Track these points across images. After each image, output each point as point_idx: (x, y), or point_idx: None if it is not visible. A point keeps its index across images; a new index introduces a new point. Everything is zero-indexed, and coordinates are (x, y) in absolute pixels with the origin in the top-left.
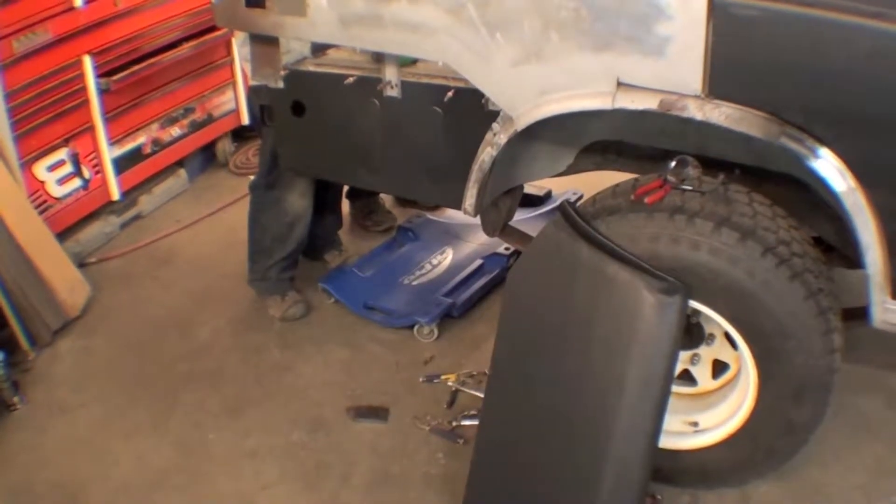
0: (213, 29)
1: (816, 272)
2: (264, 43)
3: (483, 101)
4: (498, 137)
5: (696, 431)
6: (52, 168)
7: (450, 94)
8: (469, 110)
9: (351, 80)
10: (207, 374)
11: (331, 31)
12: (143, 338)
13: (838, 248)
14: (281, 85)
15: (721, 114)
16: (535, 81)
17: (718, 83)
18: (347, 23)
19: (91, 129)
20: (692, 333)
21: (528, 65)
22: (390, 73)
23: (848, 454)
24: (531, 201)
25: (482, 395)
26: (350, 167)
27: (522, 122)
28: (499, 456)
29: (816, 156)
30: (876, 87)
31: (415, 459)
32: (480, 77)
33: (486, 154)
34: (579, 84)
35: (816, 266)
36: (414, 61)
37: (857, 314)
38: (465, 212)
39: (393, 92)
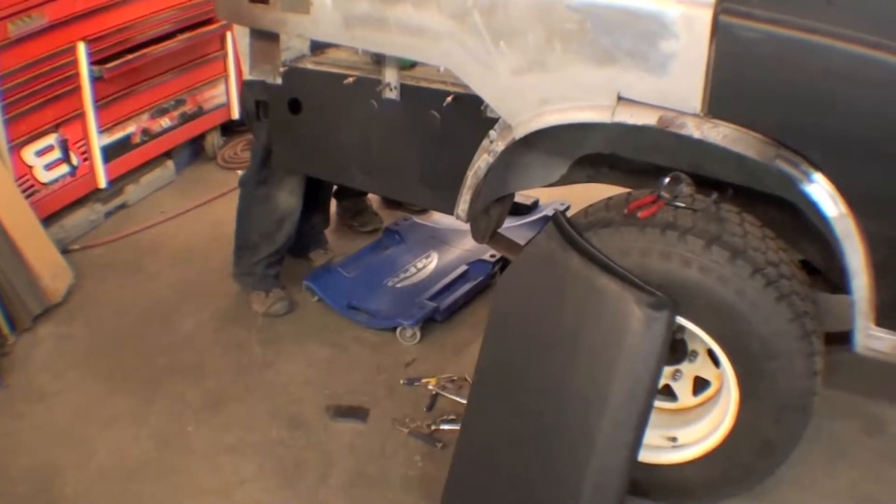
0: (207, 22)
1: (802, 295)
2: (264, 38)
3: (482, 107)
4: (495, 145)
5: (675, 447)
6: (40, 153)
7: (449, 99)
8: (467, 116)
9: (350, 80)
10: (188, 366)
11: (333, 30)
12: (125, 327)
13: (823, 272)
14: (279, 81)
15: (719, 133)
16: (536, 91)
17: (718, 103)
18: (351, 23)
19: (81, 116)
20: (676, 349)
21: (530, 74)
22: (390, 76)
23: (822, 478)
24: (518, 210)
25: (462, 400)
26: (344, 167)
27: (521, 131)
28: (479, 462)
29: (810, 180)
30: (873, 116)
31: (393, 461)
32: (482, 84)
33: (483, 161)
34: (580, 96)
35: (803, 289)
36: (413, 64)
37: (837, 339)
38: (458, 217)
39: (392, 94)
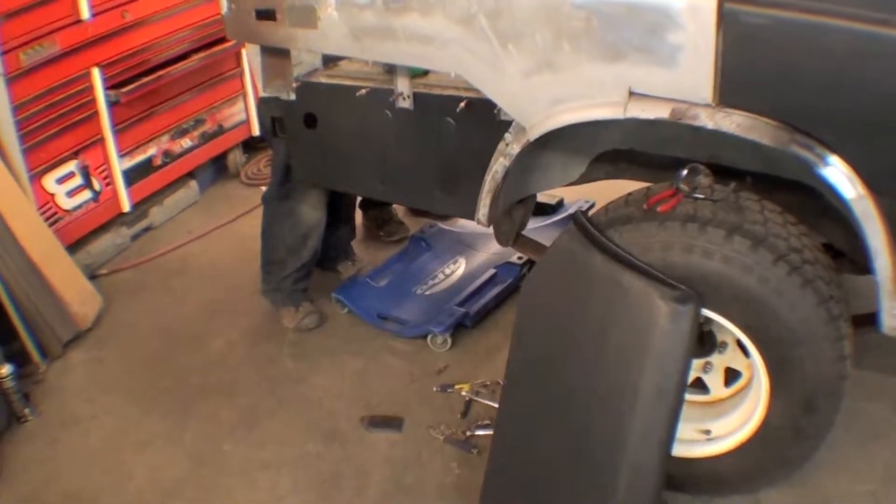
0: (222, 40)
1: (827, 279)
2: (275, 55)
3: (495, 111)
4: (511, 147)
5: (709, 439)
6: (61, 180)
7: (462, 104)
8: (481, 121)
9: (363, 92)
10: (221, 385)
11: (342, 43)
12: (156, 349)
13: (847, 254)
14: (293, 97)
15: (732, 122)
16: (548, 91)
17: (729, 91)
18: (359, 35)
19: (101, 141)
20: (704, 341)
21: (540, 75)
22: (402, 85)
23: (857, 461)
24: (543, 210)
25: (496, 405)
26: (363, 178)
27: (535, 132)
28: (513, 465)
29: (826, 163)
30: (883, 93)
31: (429, 469)
32: (493, 88)
33: (499, 164)
34: (591, 94)
35: (827, 273)
36: (425, 72)
37: (865, 320)
38: (479, 222)
39: (405, 103)
